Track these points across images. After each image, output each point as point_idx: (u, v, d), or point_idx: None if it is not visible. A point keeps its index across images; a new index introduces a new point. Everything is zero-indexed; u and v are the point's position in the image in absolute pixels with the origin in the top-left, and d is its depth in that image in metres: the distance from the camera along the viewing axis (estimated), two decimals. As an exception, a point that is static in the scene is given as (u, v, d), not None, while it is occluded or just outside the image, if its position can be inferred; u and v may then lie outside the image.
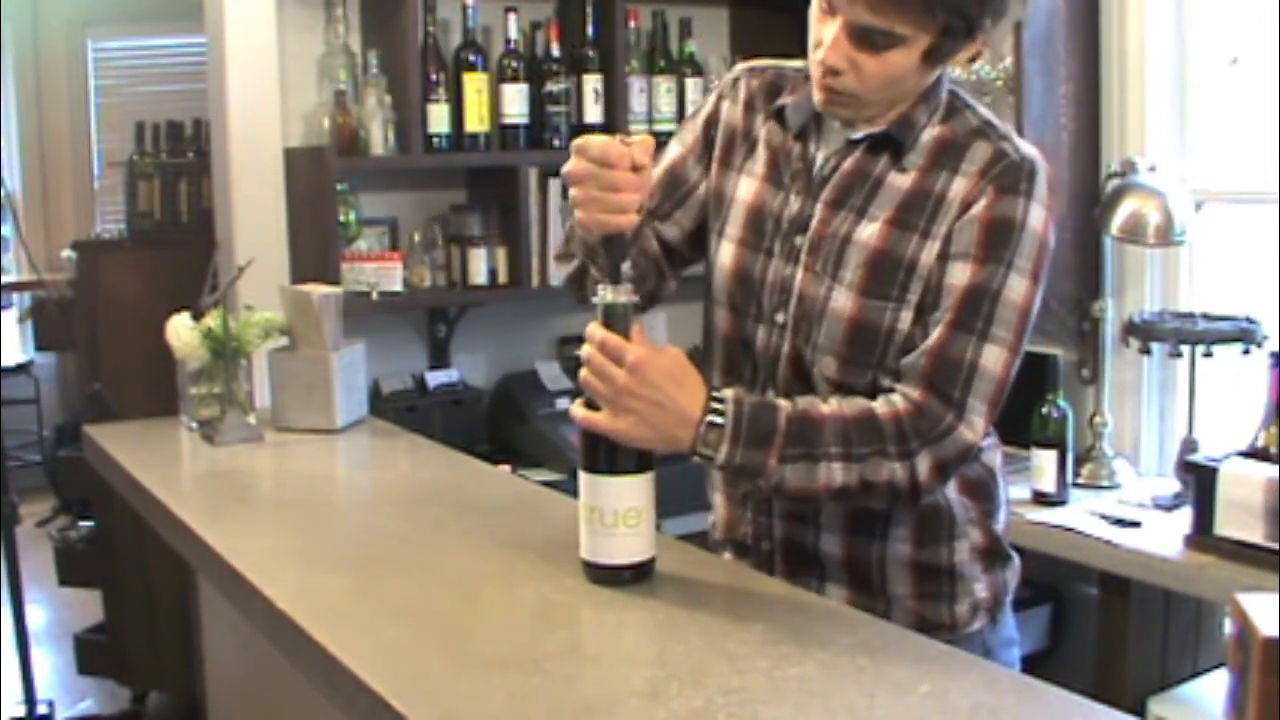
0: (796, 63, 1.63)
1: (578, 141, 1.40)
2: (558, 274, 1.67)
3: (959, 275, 1.44)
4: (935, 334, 1.44)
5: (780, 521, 1.59)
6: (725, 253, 1.59)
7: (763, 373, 1.56)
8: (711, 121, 1.65)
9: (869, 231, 1.48)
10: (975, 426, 1.43)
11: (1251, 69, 2.91)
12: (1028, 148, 1.48)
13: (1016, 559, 1.65)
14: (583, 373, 1.41)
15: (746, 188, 1.59)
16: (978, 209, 1.44)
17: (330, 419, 2.29)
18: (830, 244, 1.50)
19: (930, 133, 1.49)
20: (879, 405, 1.44)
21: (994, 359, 1.43)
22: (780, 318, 1.54)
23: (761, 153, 1.59)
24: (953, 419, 1.42)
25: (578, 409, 1.42)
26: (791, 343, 1.53)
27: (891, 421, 1.42)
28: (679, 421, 1.40)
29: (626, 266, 1.43)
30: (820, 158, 1.54)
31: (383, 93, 3.10)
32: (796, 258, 1.52)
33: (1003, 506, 1.63)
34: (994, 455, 1.62)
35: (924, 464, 1.42)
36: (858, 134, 1.51)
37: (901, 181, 1.48)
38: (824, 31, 1.44)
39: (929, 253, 1.45)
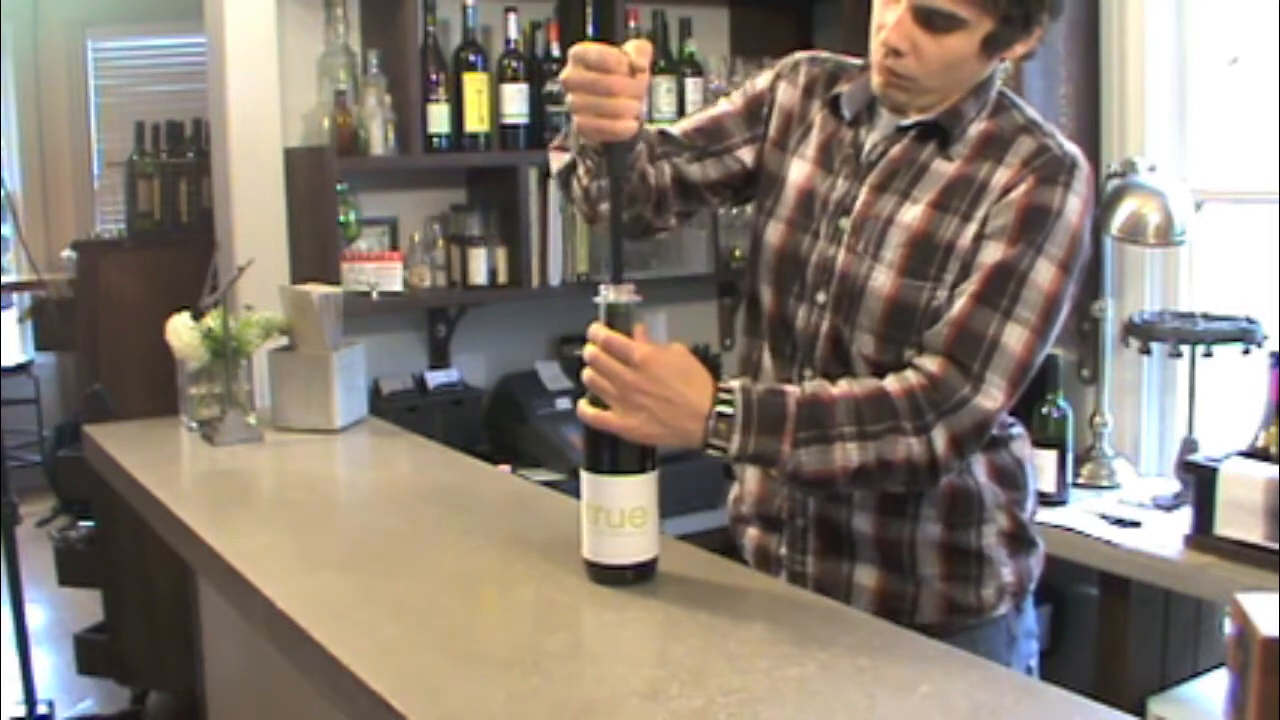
0: (855, 60, 1.66)
1: (575, 49, 1.41)
2: (551, 164, 1.68)
3: (990, 253, 1.46)
4: (959, 306, 1.46)
5: (815, 497, 1.60)
6: (773, 232, 1.62)
7: (802, 351, 1.58)
8: (764, 99, 1.67)
9: (911, 213, 1.51)
10: (993, 397, 1.44)
11: (1251, 69, 2.91)
12: (1071, 146, 1.52)
13: (1041, 546, 1.67)
14: (587, 373, 1.41)
15: (798, 170, 1.62)
16: (1016, 194, 1.47)
17: (330, 419, 2.30)
18: (873, 225, 1.53)
19: (977, 126, 1.53)
20: (890, 382, 1.45)
21: (1016, 338, 1.44)
22: (821, 297, 1.56)
23: (815, 137, 1.62)
24: (969, 390, 1.43)
25: (586, 407, 1.42)
26: (831, 321, 1.55)
27: (905, 397, 1.43)
28: (689, 415, 1.41)
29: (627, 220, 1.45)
30: (869, 144, 1.57)
31: (383, 93, 3.09)
32: (840, 239, 1.55)
33: (1031, 497, 1.65)
34: (1024, 446, 1.64)
35: (940, 437, 1.42)
36: (906, 122, 1.53)
37: (946, 168, 1.52)
38: (887, 14, 1.47)
39: (967, 235, 1.48)
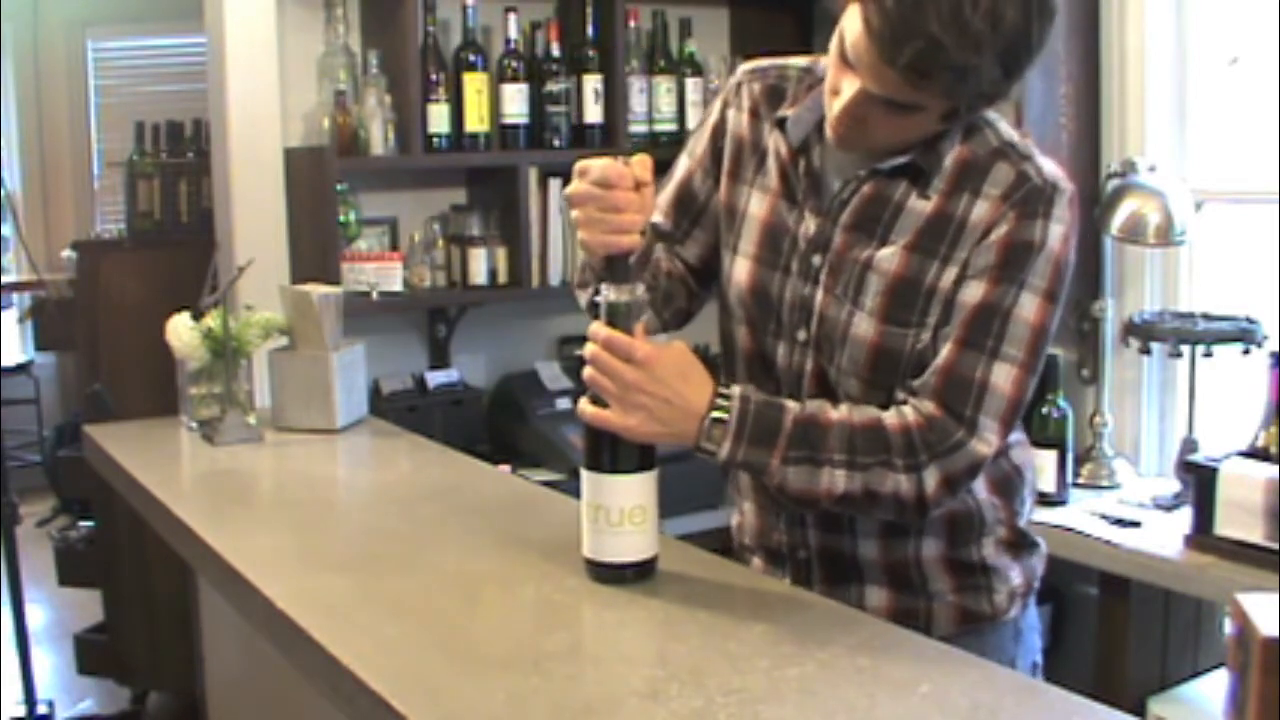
0: (799, 60, 1.60)
1: (579, 164, 1.41)
2: (579, 299, 1.65)
3: (971, 293, 1.43)
4: (945, 352, 1.44)
5: (815, 530, 1.59)
6: (740, 269, 1.58)
7: (786, 389, 1.55)
8: (718, 132, 1.63)
9: (889, 258, 1.47)
10: (988, 441, 1.43)
11: (1251, 69, 2.91)
12: (1050, 168, 1.46)
13: (1042, 544, 1.67)
14: (587, 371, 1.41)
15: (759, 203, 1.57)
16: (998, 234, 1.43)
17: (330, 419, 2.29)
18: (851, 268, 1.49)
19: (950, 154, 1.47)
20: (889, 416, 1.44)
21: (1005, 377, 1.42)
22: (801, 335, 1.53)
23: (772, 166, 1.57)
24: (964, 434, 1.42)
25: (586, 406, 1.42)
26: (815, 360, 1.53)
27: (900, 433, 1.42)
28: (686, 416, 1.41)
29: (641, 290, 1.44)
30: (836, 178, 1.52)
31: (383, 93, 3.09)
32: (816, 277, 1.51)
33: (1028, 501, 1.64)
34: (1022, 453, 1.63)
35: (932, 478, 1.42)
36: (883, 165, 1.47)
37: (923, 207, 1.46)
38: (842, 83, 1.40)
39: (948, 278, 1.45)
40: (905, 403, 1.45)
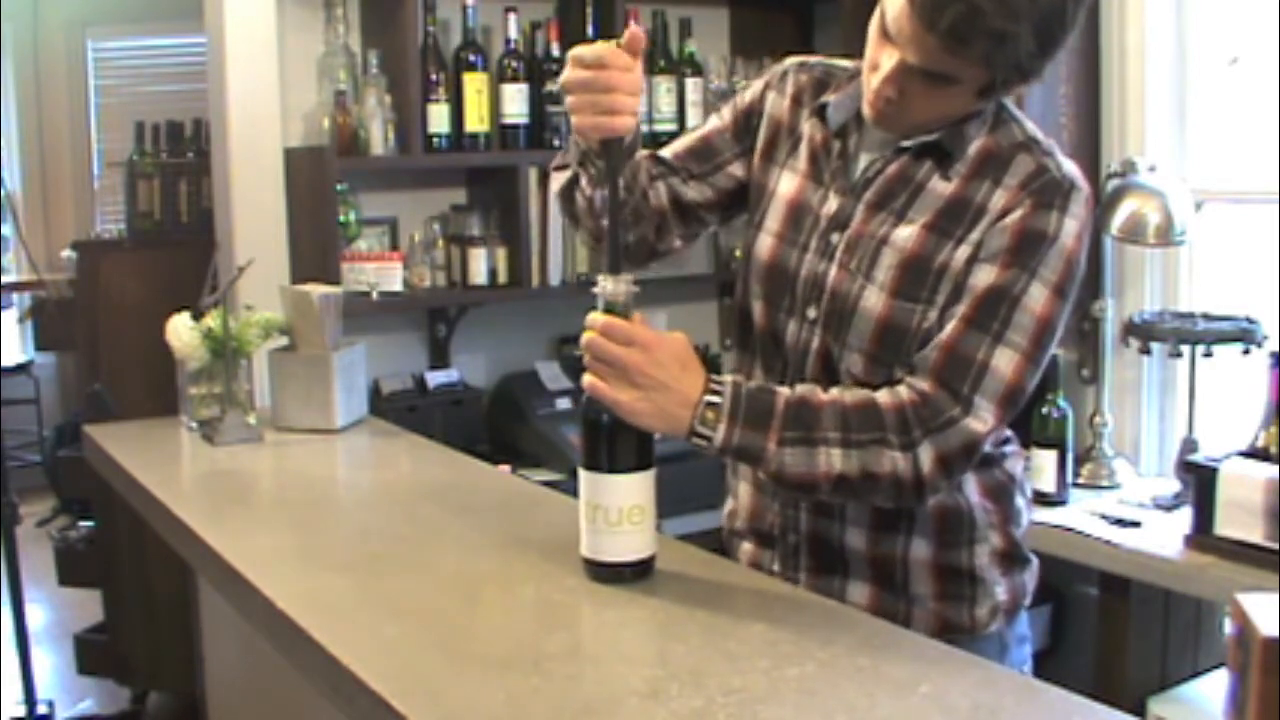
0: (846, 62, 1.64)
1: (573, 51, 1.43)
2: (552, 185, 1.67)
3: (982, 276, 1.45)
4: (949, 329, 1.45)
5: (807, 514, 1.59)
6: (762, 245, 1.61)
7: (792, 367, 1.57)
8: (754, 110, 1.66)
9: (905, 234, 1.49)
10: (982, 420, 1.43)
11: (1251, 69, 2.91)
12: (1070, 166, 1.49)
13: (1034, 561, 1.66)
14: (587, 358, 1.41)
15: (788, 183, 1.60)
16: (1012, 218, 1.45)
17: (330, 419, 2.30)
18: (867, 244, 1.51)
19: (976, 143, 1.50)
20: (882, 395, 1.45)
21: (1006, 362, 1.43)
22: (812, 313, 1.55)
23: (804, 149, 1.60)
24: (959, 411, 1.42)
25: (586, 375, 1.42)
26: (821, 338, 1.54)
27: (894, 411, 1.42)
28: (680, 402, 1.41)
29: (624, 198, 1.46)
30: (864, 159, 1.55)
31: (383, 93, 3.10)
32: (832, 254, 1.54)
33: (1024, 511, 1.63)
34: (1016, 462, 1.63)
35: (927, 456, 1.42)
36: (908, 141, 1.50)
37: (943, 188, 1.49)
38: (881, 57, 1.44)
39: (960, 258, 1.46)
40: (901, 382, 1.46)
